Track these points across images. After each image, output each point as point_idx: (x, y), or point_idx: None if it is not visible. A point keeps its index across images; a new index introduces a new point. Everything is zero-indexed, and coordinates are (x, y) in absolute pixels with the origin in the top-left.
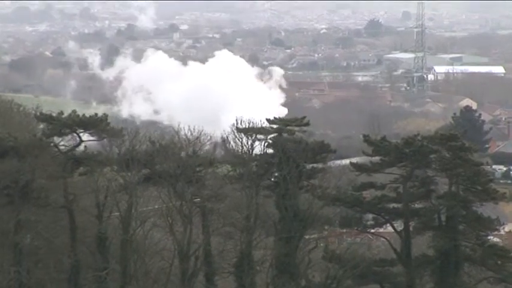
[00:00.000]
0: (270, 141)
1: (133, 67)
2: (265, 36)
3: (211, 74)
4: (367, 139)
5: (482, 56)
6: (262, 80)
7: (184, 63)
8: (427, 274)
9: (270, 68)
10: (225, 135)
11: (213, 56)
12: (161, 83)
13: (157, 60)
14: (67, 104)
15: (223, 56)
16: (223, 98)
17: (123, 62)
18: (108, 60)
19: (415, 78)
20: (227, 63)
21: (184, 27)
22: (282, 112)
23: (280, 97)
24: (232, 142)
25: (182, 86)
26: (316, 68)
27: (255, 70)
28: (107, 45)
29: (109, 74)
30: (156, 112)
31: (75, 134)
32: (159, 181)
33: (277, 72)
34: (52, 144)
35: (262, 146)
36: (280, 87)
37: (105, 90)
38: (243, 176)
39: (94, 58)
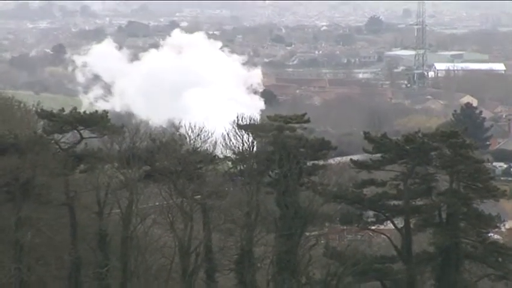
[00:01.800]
0: (271, 138)
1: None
2: (266, 33)
3: (165, 58)
4: (367, 136)
5: (483, 53)
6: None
7: (135, 54)
8: (427, 271)
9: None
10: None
11: (166, 42)
12: (115, 74)
13: (105, 52)
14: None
15: (175, 38)
16: (180, 80)
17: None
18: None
19: (415, 75)
20: (182, 44)
21: (184, 24)
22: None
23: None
24: (232, 139)
25: (136, 75)
26: (316, 65)
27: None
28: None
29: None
30: (115, 105)
31: (76, 131)
32: (160, 178)
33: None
34: (53, 141)
35: (262, 143)
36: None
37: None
38: (244, 173)
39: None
